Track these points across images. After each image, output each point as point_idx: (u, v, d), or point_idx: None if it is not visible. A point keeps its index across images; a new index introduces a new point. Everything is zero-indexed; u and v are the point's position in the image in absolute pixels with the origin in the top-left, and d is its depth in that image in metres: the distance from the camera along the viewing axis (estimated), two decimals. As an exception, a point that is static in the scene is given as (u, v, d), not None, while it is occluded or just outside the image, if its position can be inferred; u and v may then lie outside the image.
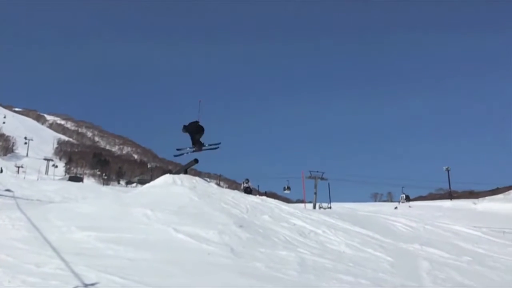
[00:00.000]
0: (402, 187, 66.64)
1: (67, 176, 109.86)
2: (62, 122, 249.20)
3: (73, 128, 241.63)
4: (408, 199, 63.33)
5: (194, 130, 17.90)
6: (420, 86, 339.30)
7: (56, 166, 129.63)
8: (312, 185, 49.16)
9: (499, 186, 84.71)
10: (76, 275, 6.10)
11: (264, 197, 17.73)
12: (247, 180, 27.28)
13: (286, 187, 57.76)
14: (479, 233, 14.42)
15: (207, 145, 18.16)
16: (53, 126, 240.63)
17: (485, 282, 8.27)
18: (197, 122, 17.97)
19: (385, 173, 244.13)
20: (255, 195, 21.83)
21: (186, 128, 17.80)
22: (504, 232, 19.49)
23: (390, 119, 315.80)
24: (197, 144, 18.06)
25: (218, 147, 18.62)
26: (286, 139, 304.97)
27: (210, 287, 6.30)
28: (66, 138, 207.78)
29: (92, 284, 5.76)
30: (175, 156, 19.58)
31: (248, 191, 25.14)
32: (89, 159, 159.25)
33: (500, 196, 71.35)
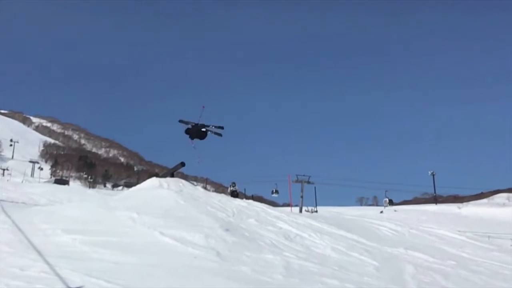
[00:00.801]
0: (386, 191, 66.38)
1: (53, 178, 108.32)
2: (48, 124, 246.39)
3: (59, 130, 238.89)
4: (391, 203, 63.33)
5: (196, 133, 18.56)
6: (406, 91, 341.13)
7: (42, 169, 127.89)
8: (298, 189, 49.32)
9: (484, 191, 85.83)
10: (61, 278, 6.06)
11: (250, 201, 17.77)
12: (234, 184, 27.34)
13: (274, 191, 57.67)
14: (464, 238, 14.62)
15: (212, 126, 18.73)
16: (39, 129, 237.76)
17: (469, 286, 8.37)
18: (199, 126, 18.67)
19: (371, 177, 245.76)
20: (242, 198, 21.86)
21: (188, 130, 18.49)
22: (489, 236, 19.73)
23: (377, 124, 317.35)
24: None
25: (221, 134, 19.17)
26: (275, 142, 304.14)
27: (196, 291, 6.30)
28: (52, 141, 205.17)
29: (77, 288, 5.73)
30: (179, 121, 19.93)
31: (234, 194, 25.19)
32: (75, 162, 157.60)
33: (485, 200, 72.22)
